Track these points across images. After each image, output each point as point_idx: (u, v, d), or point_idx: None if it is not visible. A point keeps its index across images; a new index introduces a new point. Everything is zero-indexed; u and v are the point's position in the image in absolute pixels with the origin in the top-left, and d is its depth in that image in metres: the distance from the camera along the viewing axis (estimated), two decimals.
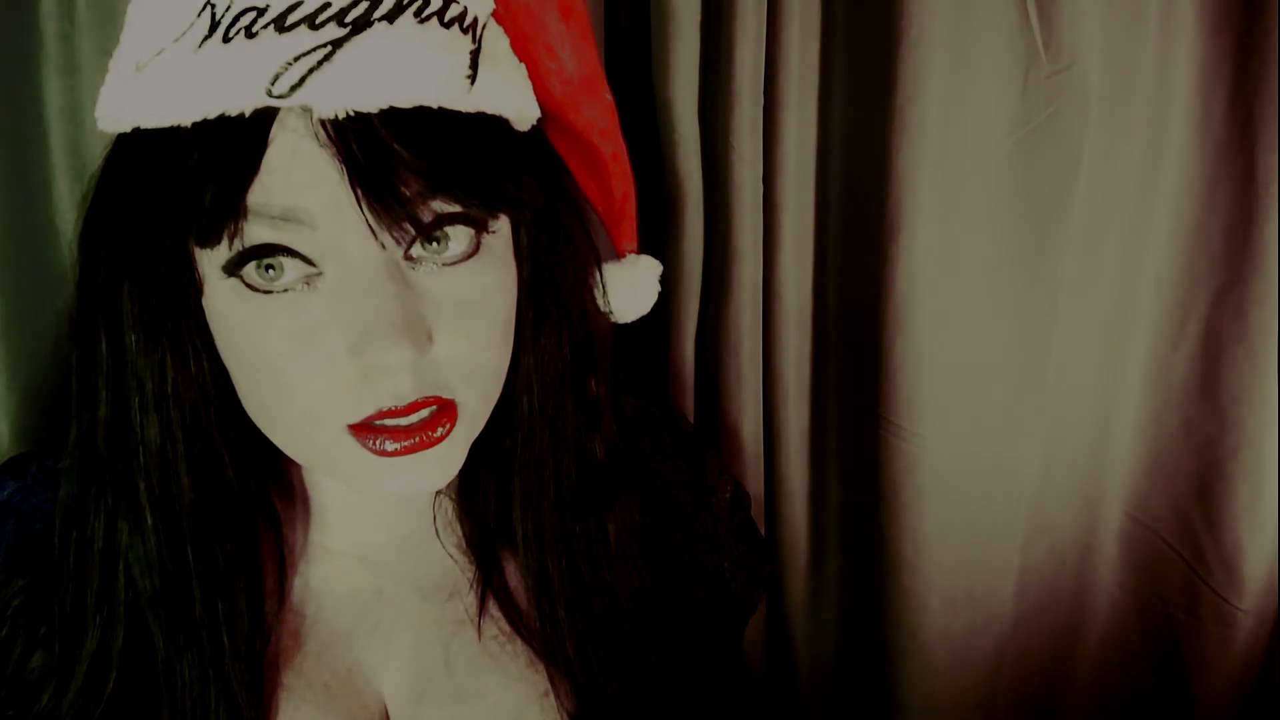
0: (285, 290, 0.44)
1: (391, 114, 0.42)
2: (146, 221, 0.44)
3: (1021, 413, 0.81)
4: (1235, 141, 0.78)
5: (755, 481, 0.82)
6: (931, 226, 0.75)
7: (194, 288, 0.46)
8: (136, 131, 0.45)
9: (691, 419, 0.82)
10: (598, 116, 0.56)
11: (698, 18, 0.74)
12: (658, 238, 0.79)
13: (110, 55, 0.67)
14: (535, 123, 0.51)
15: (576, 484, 0.55)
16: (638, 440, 0.62)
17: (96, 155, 0.69)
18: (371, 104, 0.41)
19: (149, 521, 0.48)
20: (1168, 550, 0.87)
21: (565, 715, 0.54)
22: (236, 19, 0.41)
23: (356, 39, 0.41)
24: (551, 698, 0.54)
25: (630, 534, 0.57)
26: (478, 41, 0.46)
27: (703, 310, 0.81)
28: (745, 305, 0.78)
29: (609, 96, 0.58)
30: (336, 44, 0.41)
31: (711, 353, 0.81)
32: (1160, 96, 0.77)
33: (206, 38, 0.42)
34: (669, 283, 0.80)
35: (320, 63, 0.41)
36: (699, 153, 0.77)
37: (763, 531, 0.83)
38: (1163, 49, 0.76)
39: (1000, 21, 0.72)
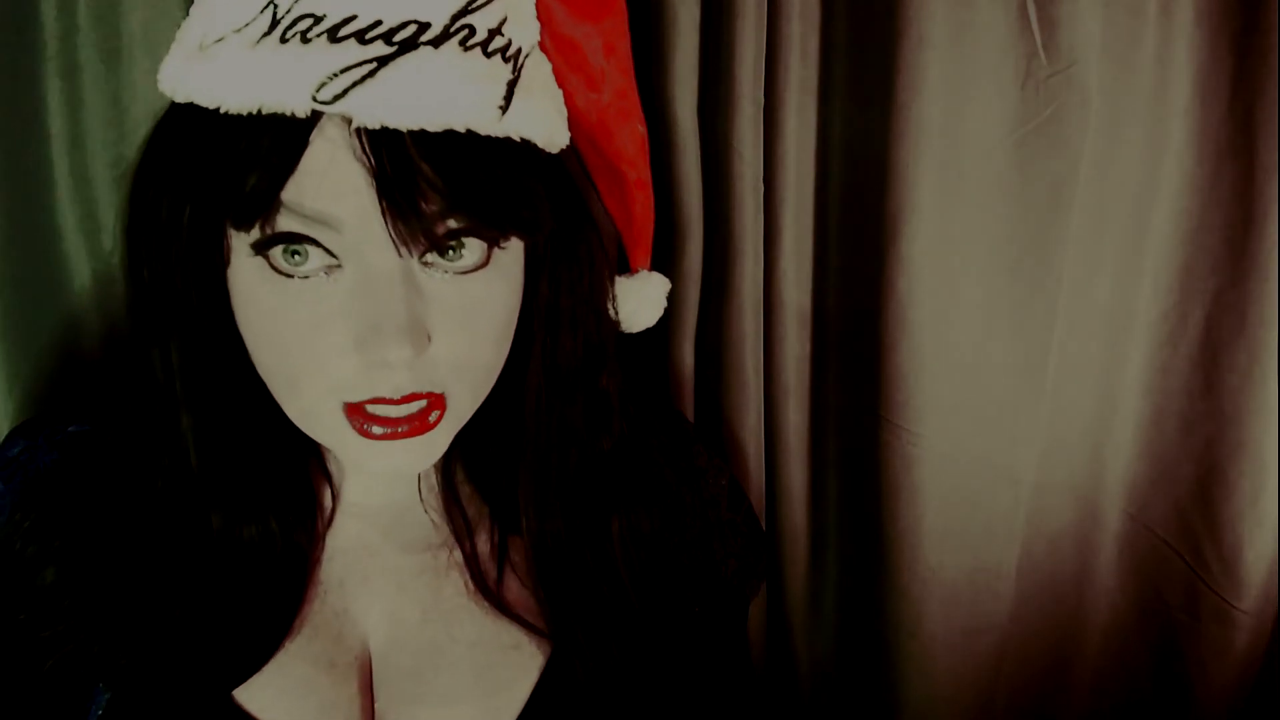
0: (306, 277, 0.47)
1: (422, 134, 0.44)
2: (188, 189, 0.47)
3: (1021, 413, 0.81)
4: (1235, 141, 0.78)
5: (755, 481, 0.82)
6: (931, 226, 0.75)
7: (222, 259, 0.49)
8: (191, 105, 0.47)
9: (691, 419, 0.82)
10: (628, 145, 0.61)
11: (697, 17, 0.74)
12: (659, 238, 0.79)
13: (110, 55, 0.68)
14: (564, 147, 0.54)
15: (581, 476, 0.58)
16: (641, 437, 0.64)
17: (96, 155, 0.70)
18: (405, 124, 0.44)
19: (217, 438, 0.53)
20: (1168, 550, 0.87)
21: (534, 669, 0.57)
22: (295, 22, 0.44)
23: (399, 60, 0.44)
24: (520, 651, 0.57)
25: (632, 526, 0.60)
26: (517, 72, 0.49)
27: (704, 310, 0.81)
28: (746, 305, 0.78)
29: (641, 128, 0.62)
30: (382, 61, 0.44)
31: (712, 353, 0.81)
32: (1160, 96, 0.77)
33: (265, 35, 0.44)
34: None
35: (364, 78, 0.43)
36: (699, 152, 0.77)
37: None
38: (1162, 49, 0.76)
39: (1000, 21, 0.72)
